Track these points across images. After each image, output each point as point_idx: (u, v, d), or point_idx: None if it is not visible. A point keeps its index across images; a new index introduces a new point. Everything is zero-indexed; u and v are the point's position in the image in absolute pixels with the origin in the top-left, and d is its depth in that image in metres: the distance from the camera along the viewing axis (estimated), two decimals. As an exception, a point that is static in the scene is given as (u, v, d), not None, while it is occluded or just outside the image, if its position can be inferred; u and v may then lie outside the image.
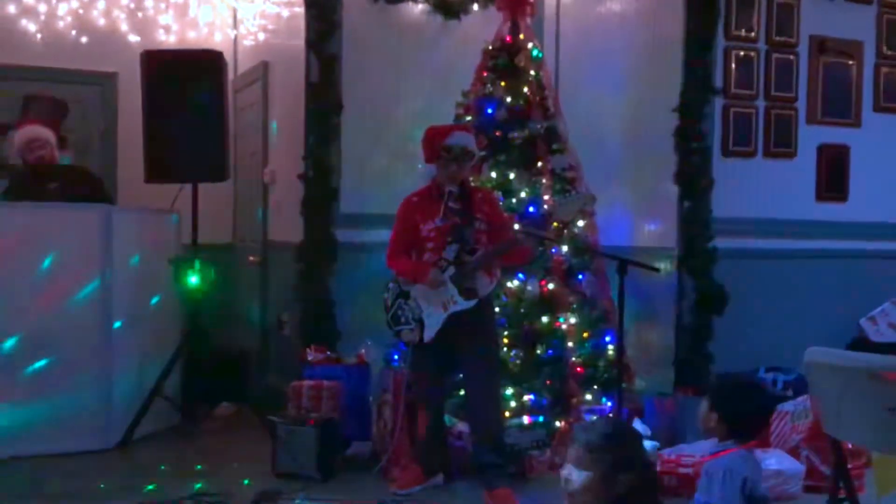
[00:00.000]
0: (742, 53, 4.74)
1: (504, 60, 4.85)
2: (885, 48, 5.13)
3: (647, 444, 2.24)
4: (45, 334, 4.54)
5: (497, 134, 4.72)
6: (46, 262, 4.57)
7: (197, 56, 5.13)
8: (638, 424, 2.26)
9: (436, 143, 4.01)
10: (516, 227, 4.19)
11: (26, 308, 4.53)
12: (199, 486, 4.03)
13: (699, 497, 2.62)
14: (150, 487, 4.01)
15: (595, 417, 2.36)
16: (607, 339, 4.66)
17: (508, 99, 4.79)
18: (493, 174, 4.68)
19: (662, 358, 4.76)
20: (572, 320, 4.58)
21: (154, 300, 5.06)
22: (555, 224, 4.46)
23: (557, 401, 4.48)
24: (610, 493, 2.18)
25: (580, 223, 4.70)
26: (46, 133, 5.04)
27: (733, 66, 4.71)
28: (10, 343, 4.50)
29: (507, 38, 4.89)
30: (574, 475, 2.22)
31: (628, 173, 5.12)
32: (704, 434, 2.87)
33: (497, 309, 4.35)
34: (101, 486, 4.07)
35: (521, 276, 4.53)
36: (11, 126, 5.75)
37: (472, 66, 4.95)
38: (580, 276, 4.71)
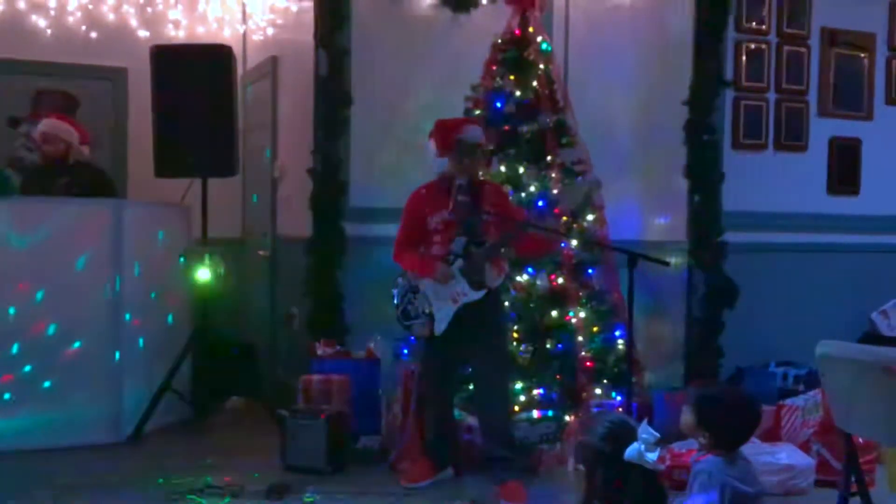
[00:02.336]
0: (753, 46, 4.71)
1: (513, 54, 4.83)
2: (897, 40, 5.10)
3: (641, 446, 2.23)
4: (57, 328, 4.56)
5: (506, 128, 4.70)
6: (59, 256, 4.59)
7: (206, 51, 5.13)
8: (645, 428, 2.25)
9: (448, 137, 4.01)
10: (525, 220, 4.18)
11: (38, 302, 4.55)
12: (209, 478, 4.03)
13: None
14: (161, 480, 4.02)
15: (600, 412, 2.38)
16: (617, 333, 4.64)
17: (517, 92, 4.77)
18: (503, 168, 4.66)
19: (672, 352, 4.74)
20: (582, 314, 4.56)
21: (164, 295, 5.07)
22: (563, 218, 4.45)
23: (567, 395, 4.47)
24: (587, 483, 2.23)
25: (589, 217, 4.69)
26: (63, 130, 5.02)
27: (744, 58, 4.68)
28: (20, 336, 4.52)
29: (517, 32, 4.87)
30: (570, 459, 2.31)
31: (638, 167, 5.10)
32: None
33: (507, 303, 4.35)
34: (113, 478, 4.08)
35: (530, 270, 4.52)
36: (23, 120, 5.78)
37: (481, 60, 4.93)
38: (590, 271, 4.70)
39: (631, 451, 2.20)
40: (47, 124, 5.04)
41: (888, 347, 2.71)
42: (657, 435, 2.23)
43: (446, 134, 4.01)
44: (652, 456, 2.21)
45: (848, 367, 2.48)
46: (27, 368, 4.53)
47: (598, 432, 2.27)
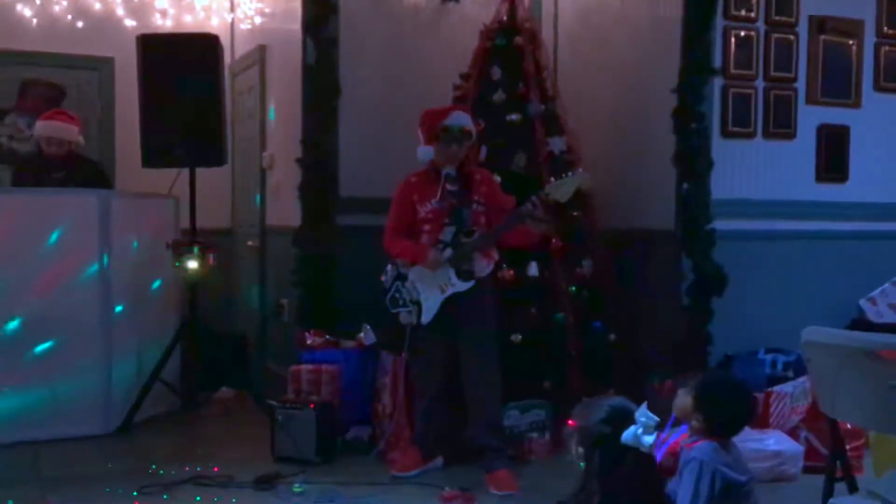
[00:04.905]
0: (741, 33, 4.69)
1: (502, 42, 4.82)
2: (885, 27, 5.07)
3: (639, 429, 2.24)
4: (45, 319, 4.55)
5: (495, 116, 4.69)
6: (46, 247, 4.57)
7: (193, 40, 5.10)
8: (644, 411, 2.27)
9: (434, 124, 3.99)
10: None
11: (26, 293, 4.54)
12: (198, 469, 4.04)
13: (672, 485, 2.61)
14: (150, 471, 4.01)
15: (602, 396, 2.42)
16: (606, 322, 4.65)
17: (507, 81, 4.76)
18: (492, 157, 4.65)
19: (661, 340, 4.74)
20: (571, 303, 4.57)
21: (153, 285, 5.06)
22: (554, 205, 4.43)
23: (556, 384, 4.48)
24: (585, 465, 2.26)
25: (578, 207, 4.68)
26: (67, 133, 4.96)
27: (732, 46, 4.67)
28: (10, 328, 4.51)
29: (505, 20, 4.86)
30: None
31: (627, 154, 5.09)
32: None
33: (496, 292, 4.34)
34: (102, 470, 4.08)
35: (520, 259, 4.51)
36: (9, 111, 5.75)
37: (470, 48, 4.92)
38: (579, 260, 4.70)
39: (627, 433, 2.22)
40: (50, 128, 4.96)
41: (874, 333, 2.72)
42: (656, 418, 2.25)
43: (432, 121, 4.00)
44: (649, 439, 2.22)
45: (833, 352, 2.49)
46: (13, 359, 4.51)
47: (598, 415, 2.29)
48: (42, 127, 4.99)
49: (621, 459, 2.24)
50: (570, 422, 2.37)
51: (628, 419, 2.33)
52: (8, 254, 4.52)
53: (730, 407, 2.64)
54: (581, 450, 2.29)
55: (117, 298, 4.76)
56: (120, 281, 4.77)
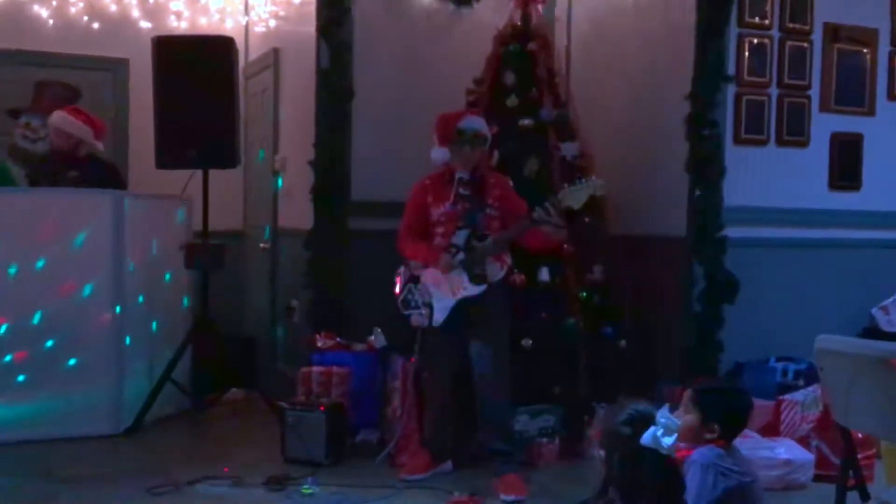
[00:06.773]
0: (755, 41, 4.69)
1: (515, 47, 4.83)
2: (900, 36, 5.08)
3: (658, 431, 2.23)
4: (57, 319, 4.57)
5: (508, 121, 4.70)
6: (60, 247, 4.59)
7: (208, 42, 5.13)
8: (664, 413, 2.27)
9: (449, 127, 4.02)
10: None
11: (38, 293, 4.55)
12: (208, 470, 4.04)
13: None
14: (160, 471, 4.02)
15: (627, 400, 2.43)
16: (617, 327, 4.65)
17: (520, 86, 4.76)
18: (504, 162, 4.65)
19: (673, 346, 4.74)
20: (582, 310, 4.56)
21: (165, 286, 5.08)
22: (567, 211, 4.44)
23: (566, 390, 4.47)
24: (605, 467, 2.28)
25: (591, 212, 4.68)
26: (71, 125, 4.97)
27: (746, 53, 4.66)
28: (21, 327, 4.52)
29: (519, 25, 4.87)
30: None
31: (639, 161, 5.09)
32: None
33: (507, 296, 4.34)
34: (112, 470, 4.09)
35: (531, 264, 4.51)
36: (23, 111, 5.76)
37: (484, 54, 4.93)
38: (591, 266, 4.70)
39: (647, 435, 2.22)
40: (56, 119, 4.99)
41: (887, 342, 2.72)
42: (676, 421, 2.24)
43: (446, 124, 4.02)
44: (668, 440, 2.22)
45: (846, 360, 2.48)
46: (25, 358, 4.53)
47: (620, 417, 2.29)
48: (51, 120, 5.02)
49: (641, 461, 2.25)
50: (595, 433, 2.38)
51: (649, 422, 2.33)
52: (22, 253, 4.54)
53: (734, 404, 2.62)
54: (602, 451, 2.29)
55: (129, 299, 4.77)
56: (132, 281, 4.79)
